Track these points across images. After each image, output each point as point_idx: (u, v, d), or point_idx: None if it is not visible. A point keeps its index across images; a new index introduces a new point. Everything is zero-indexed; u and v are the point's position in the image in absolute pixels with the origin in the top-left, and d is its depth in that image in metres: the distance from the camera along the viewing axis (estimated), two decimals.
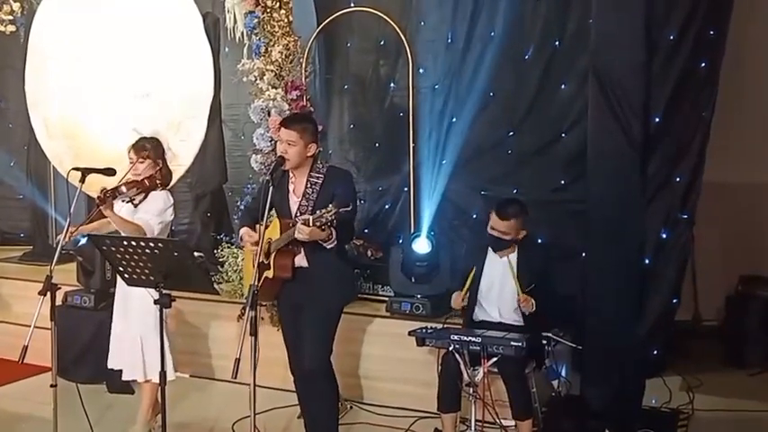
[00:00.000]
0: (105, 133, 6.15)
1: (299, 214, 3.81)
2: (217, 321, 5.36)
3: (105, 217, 4.18)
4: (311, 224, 3.57)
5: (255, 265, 3.63)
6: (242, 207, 5.51)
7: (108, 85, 6.21)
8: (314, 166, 3.90)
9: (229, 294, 5.30)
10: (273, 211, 3.97)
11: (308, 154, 3.86)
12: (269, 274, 3.84)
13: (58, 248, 3.85)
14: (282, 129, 3.86)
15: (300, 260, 3.86)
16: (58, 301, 4.13)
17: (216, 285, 3.51)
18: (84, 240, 5.18)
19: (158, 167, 4.32)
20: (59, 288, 3.80)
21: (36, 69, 6.58)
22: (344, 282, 4.03)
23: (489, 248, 4.24)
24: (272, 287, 3.92)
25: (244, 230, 3.96)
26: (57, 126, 6.50)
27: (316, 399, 3.98)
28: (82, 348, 5.26)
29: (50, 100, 6.53)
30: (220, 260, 5.56)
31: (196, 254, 6.28)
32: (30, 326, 3.61)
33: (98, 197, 4.06)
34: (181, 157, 5.89)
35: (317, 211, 3.58)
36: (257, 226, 3.89)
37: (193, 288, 3.58)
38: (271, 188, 3.63)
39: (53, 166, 6.73)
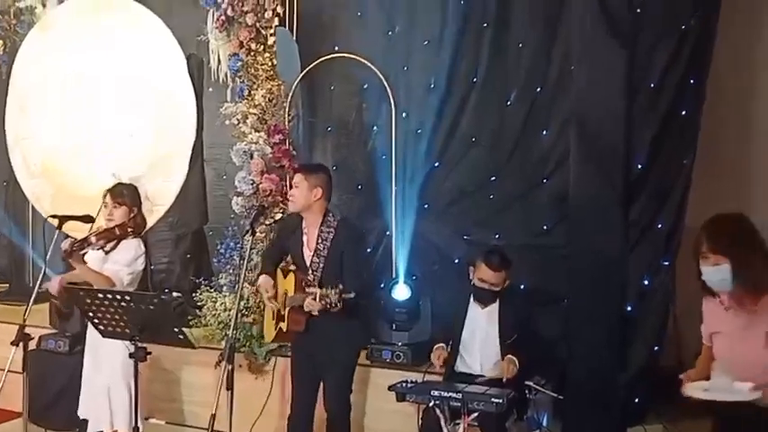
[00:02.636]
0: (86, 173, 6.11)
1: (311, 271, 3.92)
2: (193, 367, 5.27)
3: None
4: (318, 299, 3.68)
5: (273, 315, 3.91)
6: (221, 250, 5.51)
7: (90, 125, 6.19)
8: (325, 219, 3.97)
9: (207, 340, 5.23)
10: (290, 257, 4.15)
11: (314, 198, 3.96)
12: (282, 326, 3.96)
13: (32, 298, 3.80)
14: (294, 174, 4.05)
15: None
16: (32, 345, 4.08)
17: (191, 337, 3.43)
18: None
19: (133, 215, 4.27)
20: (32, 338, 3.74)
21: (17, 107, 6.56)
22: (357, 332, 4.15)
23: (471, 298, 4.21)
24: (287, 335, 4.07)
25: (263, 281, 4.05)
26: (37, 165, 6.45)
27: None
28: (55, 394, 5.16)
29: (31, 138, 6.49)
30: (199, 303, 5.49)
31: (175, 294, 6.23)
32: (2, 369, 3.60)
33: (65, 251, 4.00)
34: (162, 197, 5.87)
35: (325, 289, 3.68)
36: (278, 271, 4.07)
37: (170, 342, 3.52)
38: (251, 239, 3.65)
39: (32, 205, 6.66)
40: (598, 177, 4.33)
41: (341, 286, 3.67)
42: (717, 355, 3.10)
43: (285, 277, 4.10)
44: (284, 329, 3.96)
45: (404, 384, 3.98)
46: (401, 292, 4.99)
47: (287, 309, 3.93)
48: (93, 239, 4.06)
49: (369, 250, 5.66)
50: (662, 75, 4.65)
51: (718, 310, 3.08)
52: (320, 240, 3.94)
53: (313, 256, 3.95)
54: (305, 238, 4.02)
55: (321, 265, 3.90)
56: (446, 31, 5.38)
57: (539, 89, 5.18)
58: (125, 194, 4.29)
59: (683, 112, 4.73)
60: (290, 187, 4.13)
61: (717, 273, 2.92)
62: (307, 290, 3.78)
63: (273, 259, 4.19)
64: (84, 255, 4.04)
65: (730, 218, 3.12)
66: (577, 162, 4.54)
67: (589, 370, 4.40)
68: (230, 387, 3.34)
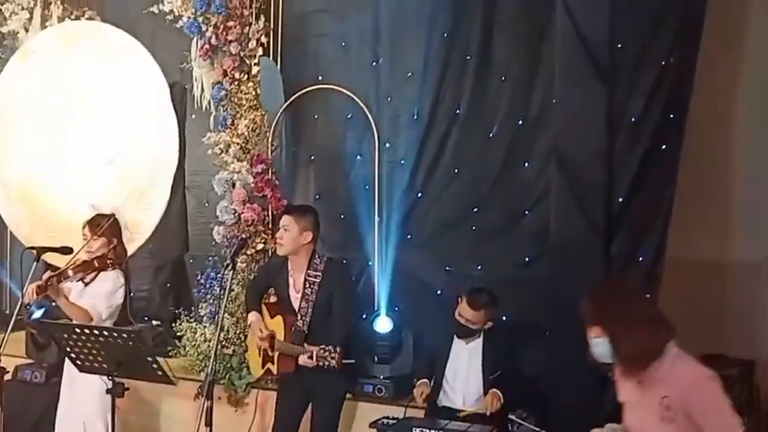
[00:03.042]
0: (65, 200, 6.06)
1: (300, 316, 3.89)
2: (173, 399, 5.20)
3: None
4: (314, 359, 3.70)
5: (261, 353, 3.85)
6: (201, 280, 5.46)
7: (71, 151, 6.15)
8: (311, 262, 3.93)
9: (186, 371, 5.16)
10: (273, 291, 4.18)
11: (303, 242, 3.92)
12: (272, 368, 3.94)
13: (9, 329, 3.74)
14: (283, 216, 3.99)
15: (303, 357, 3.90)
16: (8, 376, 4.01)
17: (170, 372, 3.39)
18: (39, 313, 5.03)
19: (112, 245, 4.22)
20: (8, 372, 3.68)
21: None
22: (346, 373, 4.05)
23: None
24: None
25: (253, 319, 4.02)
26: (16, 191, 6.39)
27: None
28: (31, 425, 5.08)
29: (10, 163, 6.43)
30: (179, 334, 5.43)
31: (154, 323, 6.17)
32: None
33: (38, 286, 3.93)
34: (142, 225, 5.83)
35: (321, 350, 3.70)
36: (266, 312, 4.06)
37: (148, 378, 3.47)
38: (231, 274, 3.61)
39: (10, 231, 6.58)
40: (578, 214, 4.35)
41: (338, 349, 3.67)
42: (624, 424, 3.02)
43: (272, 317, 4.05)
44: (274, 372, 3.95)
45: (385, 421, 3.96)
46: (383, 325, 4.96)
47: (275, 352, 3.88)
48: (70, 272, 4.01)
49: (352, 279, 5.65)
50: (643, 110, 4.69)
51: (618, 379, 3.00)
52: (307, 285, 3.90)
53: (301, 300, 3.92)
54: (291, 280, 3.98)
55: (310, 311, 3.86)
56: (429, 63, 5.41)
57: (521, 122, 5.21)
58: (104, 225, 4.22)
59: (664, 146, 4.78)
60: (272, 219, 4.08)
61: (596, 346, 2.85)
62: (299, 343, 3.80)
63: (259, 294, 4.17)
64: (60, 286, 3.98)
65: (610, 288, 3.10)
66: (558, 195, 4.57)
67: (571, 403, 4.39)
68: (209, 423, 3.30)
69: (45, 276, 4.00)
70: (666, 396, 2.75)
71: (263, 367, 4.04)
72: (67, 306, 3.99)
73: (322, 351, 3.69)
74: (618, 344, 2.79)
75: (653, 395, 2.80)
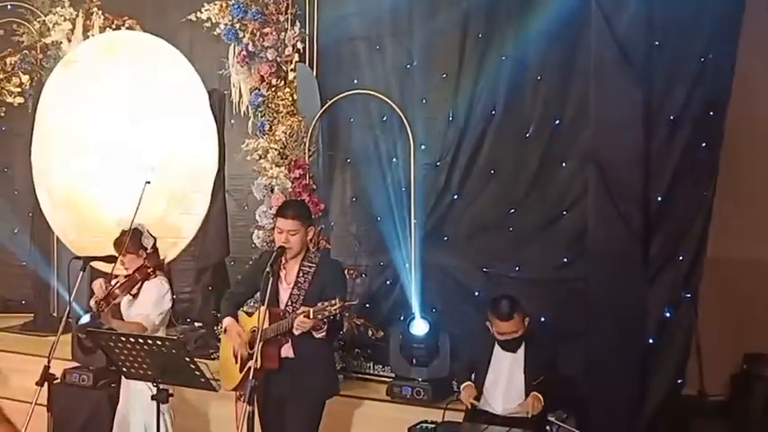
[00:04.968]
0: (109, 206, 6.19)
1: (289, 303, 3.80)
2: (217, 400, 5.28)
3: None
4: (312, 316, 3.55)
5: (240, 358, 3.66)
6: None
7: (113, 159, 6.29)
8: (306, 255, 3.90)
9: None
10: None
11: (308, 239, 3.91)
12: (255, 364, 3.68)
13: (58, 335, 3.85)
14: (281, 219, 3.86)
15: (287, 350, 3.81)
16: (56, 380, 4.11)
17: (211, 376, 3.46)
18: (86, 318, 5.16)
19: (144, 256, 4.26)
20: (57, 379, 3.79)
21: (42, 140, 6.68)
22: (330, 375, 4.01)
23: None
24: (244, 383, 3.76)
25: (229, 323, 3.94)
26: (61, 197, 6.56)
27: None
28: (79, 428, 5.19)
29: (55, 171, 6.61)
30: (220, 337, 5.51)
31: (197, 324, 6.29)
32: (28, 402, 3.62)
33: (93, 312, 4.03)
34: (184, 229, 5.94)
35: (319, 304, 3.56)
36: (242, 314, 3.92)
37: (191, 384, 3.55)
38: (270, 279, 3.61)
39: (56, 237, 6.75)
40: (615, 217, 4.32)
41: (337, 299, 3.50)
42: None
43: (251, 316, 3.94)
44: (257, 367, 3.63)
45: (424, 425, 3.97)
46: (420, 327, 4.98)
47: (259, 344, 3.64)
48: (117, 292, 4.10)
49: (388, 282, 5.68)
50: (681, 108, 4.65)
51: None
52: (301, 274, 3.82)
53: (292, 288, 3.82)
54: (282, 272, 3.87)
55: (301, 297, 3.75)
56: (464, 64, 5.42)
57: (557, 122, 5.19)
58: (126, 242, 4.24)
59: (703, 144, 4.72)
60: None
61: None
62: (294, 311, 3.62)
63: (239, 301, 4.08)
64: (110, 308, 4.07)
65: None
66: (595, 197, 4.54)
67: (611, 404, 4.38)
68: (251, 428, 3.36)
69: (93, 305, 4.08)
70: None
71: (241, 371, 3.84)
72: (122, 326, 4.05)
73: (320, 304, 3.52)
74: None
75: None
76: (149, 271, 4.22)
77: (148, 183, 4.61)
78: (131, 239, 4.25)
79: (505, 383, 4.13)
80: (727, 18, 4.47)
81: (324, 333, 3.71)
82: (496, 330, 4.12)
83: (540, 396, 3.98)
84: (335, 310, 3.52)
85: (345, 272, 4.34)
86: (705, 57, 4.55)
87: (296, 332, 3.66)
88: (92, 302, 4.09)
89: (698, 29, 4.50)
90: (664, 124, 4.63)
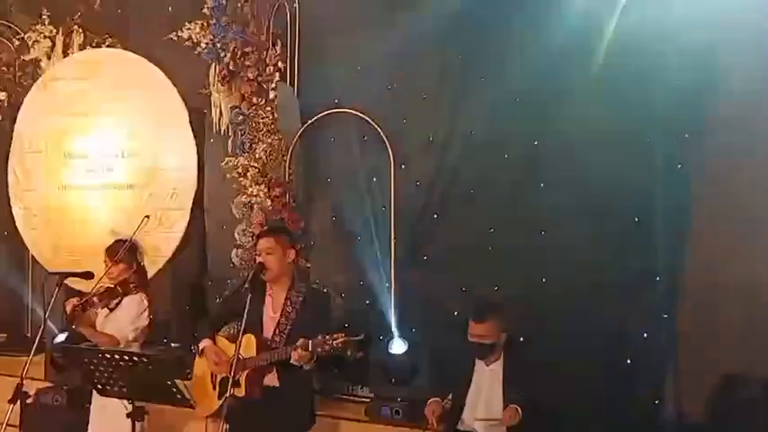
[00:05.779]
0: (86, 225, 6.14)
1: (277, 332, 3.73)
2: (193, 420, 5.22)
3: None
4: (309, 349, 3.47)
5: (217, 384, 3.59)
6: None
7: (91, 176, 6.24)
8: (295, 284, 3.83)
9: None
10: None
11: (288, 260, 3.82)
12: (238, 392, 3.65)
13: (32, 353, 3.79)
14: (258, 241, 3.84)
15: (271, 379, 3.75)
16: (29, 400, 4.06)
17: (189, 394, 3.42)
18: (62, 337, 5.09)
19: (133, 269, 4.26)
20: (30, 396, 3.73)
21: (19, 158, 6.61)
22: (311, 407, 3.94)
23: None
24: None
25: (207, 346, 3.86)
26: (37, 215, 6.48)
27: None
28: None
29: (32, 189, 6.53)
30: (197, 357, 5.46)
31: (173, 345, 6.21)
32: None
33: (68, 315, 3.99)
34: (162, 248, 5.89)
35: (320, 337, 3.46)
36: (221, 338, 3.85)
37: (167, 401, 3.50)
38: (249, 298, 3.57)
39: (32, 255, 6.67)
40: (594, 230, 4.35)
41: (336, 335, 3.43)
42: None
43: (231, 341, 3.81)
44: (241, 395, 3.58)
45: None
46: (398, 347, 4.96)
47: (245, 372, 3.60)
48: (95, 300, 4.07)
49: (367, 302, 5.66)
50: (660, 131, 4.70)
51: None
52: (289, 303, 3.73)
53: (280, 317, 3.72)
54: (268, 300, 3.80)
55: (288, 327, 3.67)
56: (444, 84, 5.46)
57: (536, 143, 5.23)
58: (121, 252, 4.25)
59: (679, 166, 4.77)
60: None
61: None
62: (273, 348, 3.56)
63: (216, 323, 4.01)
64: (85, 314, 4.03)
65: None
66: (574, 216, 4.57)
67: (587, 425, 4.36)
68: None
69: (69, 307, 4.05)
70: None
71: (219, 398, 3.72)
72: (94, 335, 4.05)
73: (320, 337, 3.41)
74: None
75: None
76: (132, 286, 4.19)
77: (147, 217, 4.62)
78: (130, 248, 4.28)
79: (486, 400, 4.09)
80: None
81: (312, 365, 3.63)
82: (470, 332, 4.08)
83: (518, 408, 3.92)
84: (338, 344, 3.43)
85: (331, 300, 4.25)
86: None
87: (294, 362, 3.56)
88: (67, 306, 4.03)
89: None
90: (639, 145, 4.68)
